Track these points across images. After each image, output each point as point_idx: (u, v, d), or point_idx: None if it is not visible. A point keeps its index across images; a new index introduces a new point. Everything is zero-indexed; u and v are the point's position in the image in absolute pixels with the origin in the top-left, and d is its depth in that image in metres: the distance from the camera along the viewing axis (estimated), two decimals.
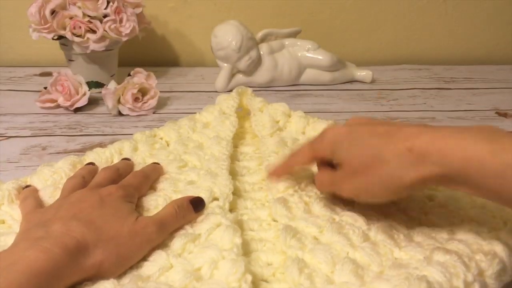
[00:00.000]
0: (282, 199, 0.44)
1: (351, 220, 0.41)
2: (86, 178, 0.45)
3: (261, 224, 0.43)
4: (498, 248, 0.37)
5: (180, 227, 0.41)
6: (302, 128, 0.58)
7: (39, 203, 0.43)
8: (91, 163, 0.49)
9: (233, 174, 0.50)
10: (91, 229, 0.36)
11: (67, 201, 0.40)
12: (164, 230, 0.39)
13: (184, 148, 0.54)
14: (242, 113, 0.62)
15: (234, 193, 0.46)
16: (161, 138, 0.56)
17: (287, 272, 0.35)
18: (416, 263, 0.36)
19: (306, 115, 0.59)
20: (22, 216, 0.41)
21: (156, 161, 0.51)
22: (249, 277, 0.34)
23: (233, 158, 0.53)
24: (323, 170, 0.42)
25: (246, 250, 0.40)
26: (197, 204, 0.42)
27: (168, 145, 0.55)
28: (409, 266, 0.36)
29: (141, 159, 0.52)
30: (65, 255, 0.33)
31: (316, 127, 0.57)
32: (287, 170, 0.46)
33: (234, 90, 0.62)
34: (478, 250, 0.37)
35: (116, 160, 0.51)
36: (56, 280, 0.32)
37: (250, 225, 0.43)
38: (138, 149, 0.54)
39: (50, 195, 0.45)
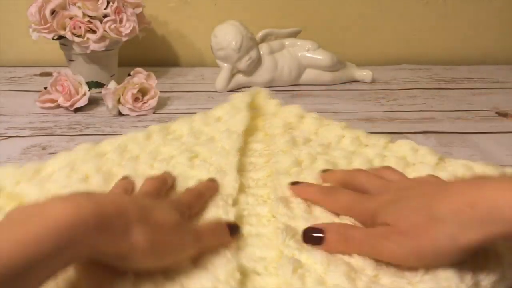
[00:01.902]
0: (284, 199, 0.44)
1: (351, 222, 0.41)
2: (128, 190, 0.44)
3: (260, 220, 0.44)
4: (496, 259, 0.36)
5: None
6: (315, 129, 0.58)
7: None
8: (125, 178, 0.47)
9: (240, 169, 0.51)
10: (138, 207, 0.33)
11: None
12: (200, 243, 0.37)
13: (196, 140, 0.55)
14: (255, 113, 0.62)
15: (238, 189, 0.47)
16: (175, 131, 0.58)
17: (281, 269, 0.36)
18: (416, 273, 0.35)
19: (320, 116, 0.59)
20: None
21: (169, 150, 0.53)
22: None
23: (242, 153, 0.54)
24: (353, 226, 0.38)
25: (242, 244, 0.40)
26: (233, 229, 0.40)
27: (181, 137, 0.56)
28: (407, 275, 0.35)
29: (154, 147, 0.53)
30: (99, 215, 0.29)
31: (330, 128, 0.58)
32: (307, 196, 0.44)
33: (250, 89, 0.63)
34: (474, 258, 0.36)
35: (130, 147, 0.53)
36: (80, 243, 0.28)
37: (249, 220, 0.44)
38: (152, 138, 0.55)
39: (66, 175, 0.47)
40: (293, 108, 0.60)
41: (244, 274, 0.36)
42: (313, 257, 0.37)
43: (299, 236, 0.39)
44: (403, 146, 0.53)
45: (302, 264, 0.36)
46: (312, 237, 0.38)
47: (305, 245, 0.38)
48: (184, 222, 0.37)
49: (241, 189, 0.48)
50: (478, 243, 0.31)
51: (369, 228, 0.36)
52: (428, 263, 0.34)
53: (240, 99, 0.60)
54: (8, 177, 0.46)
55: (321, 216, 0.42)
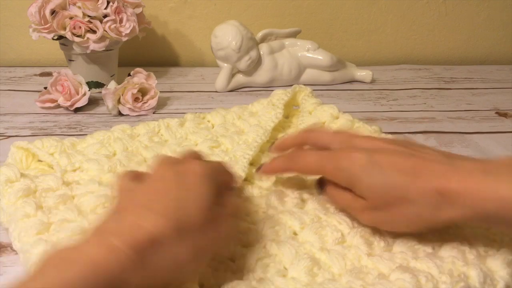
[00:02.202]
0: (279, 192, 0.45)
1: (336, 221, 0.41)
2: None
3: (256, 211, 0.44)
4: (473, 273, 0.35)
5: None
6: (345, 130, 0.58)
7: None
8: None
9: (258, 163, 0.51)
10: (165, 218, 0.31)
11: (145, 183, 0.35)
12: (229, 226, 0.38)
13: (224, 131, 0.56)
14: (294, 110, 0.63)
15: (247, 180, 0.48)
16: (209, 121, 0.59)
17: (247, 256, 0.37)
18: (374, 276, 0.35)
19: (354, 119, 0.59)
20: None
21: (196, 138, 0.54)
22: None
23: (265, 148, 0.54)
24: (339, 189, 0.40)
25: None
26: None
27: (212, 127, 0.58)
28: (366, 277, 0.35)
29: (184, 134, 0.55)
30: (135, 254, 0.28)
31: (359, 131, 0.57)
32: (282, 148, 0.45)
33: (291, 88, 0.62)
34: (449, 271, 0.36)
35: (162, 131, 0.56)
36: (125, 285, 0.28)
37: (245, 209, 0.44)
38: (185, 125, 0.57)
39: (95, 150, 0.51)
40: (329, 108, 0.60)
41: (220, 260, 0.37)
42: (282, 250, 0.38)
43: (279, 227, 0.40)
44: None
45: (269, 254, 0.37)
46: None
47: (281, 236, 0.39)
48: (215, 208, 0.34)
49: (251, 180, 0.49)
50: (447, 221, 0.35)
51: (350, 198, 0.39)
52: (399, 231, 0.39)
53: (278, 96, 0.61)
54: (45, 148, 0.50)
55: (311, 212, 0.43)
